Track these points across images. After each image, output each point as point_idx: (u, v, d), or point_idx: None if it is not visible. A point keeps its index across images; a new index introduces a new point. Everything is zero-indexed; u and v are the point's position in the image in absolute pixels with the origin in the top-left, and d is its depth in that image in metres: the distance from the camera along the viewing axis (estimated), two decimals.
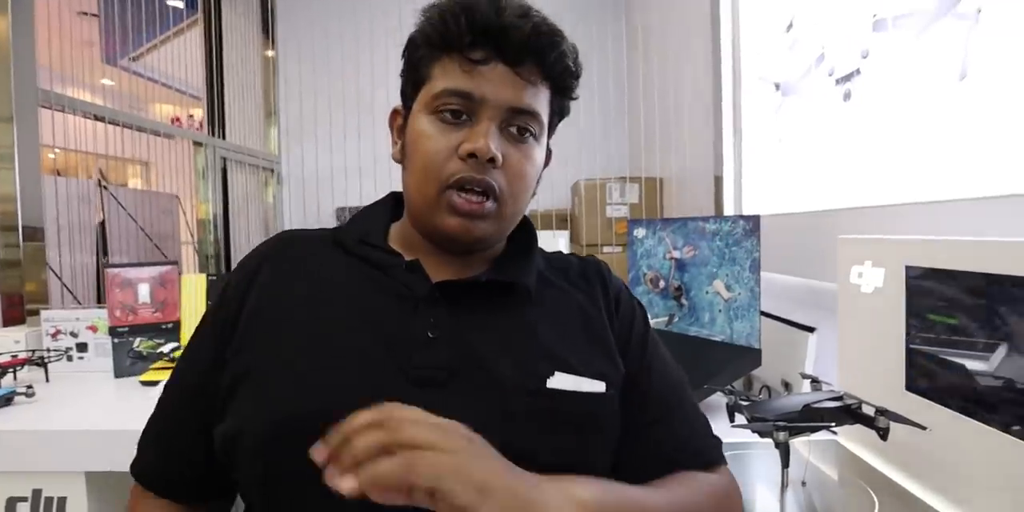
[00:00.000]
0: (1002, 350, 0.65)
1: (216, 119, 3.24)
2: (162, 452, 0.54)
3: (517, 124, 0.52)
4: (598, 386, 0.50)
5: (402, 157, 0.57)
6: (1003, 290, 0.62)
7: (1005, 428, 0.61)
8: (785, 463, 0.67)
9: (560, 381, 0.49)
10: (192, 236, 3.06)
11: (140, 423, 0.57)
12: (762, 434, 0.68)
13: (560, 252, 0.65)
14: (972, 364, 0.68)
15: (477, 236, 0.53)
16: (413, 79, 0.55)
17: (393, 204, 0.62)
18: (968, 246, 0.66)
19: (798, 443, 0.83)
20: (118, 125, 2.12)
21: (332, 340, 0.49)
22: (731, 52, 1.89)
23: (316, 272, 0.54)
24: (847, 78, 1.19)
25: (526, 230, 0.62)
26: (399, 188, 0.60)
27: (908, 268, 0.73)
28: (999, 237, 0.63)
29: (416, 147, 0.53)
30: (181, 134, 2.96)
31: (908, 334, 0.74)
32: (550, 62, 0.52)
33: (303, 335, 0.50)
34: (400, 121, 0.58)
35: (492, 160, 0.50)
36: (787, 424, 0.65)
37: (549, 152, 0.62)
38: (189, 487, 0.54)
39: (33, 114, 1.60)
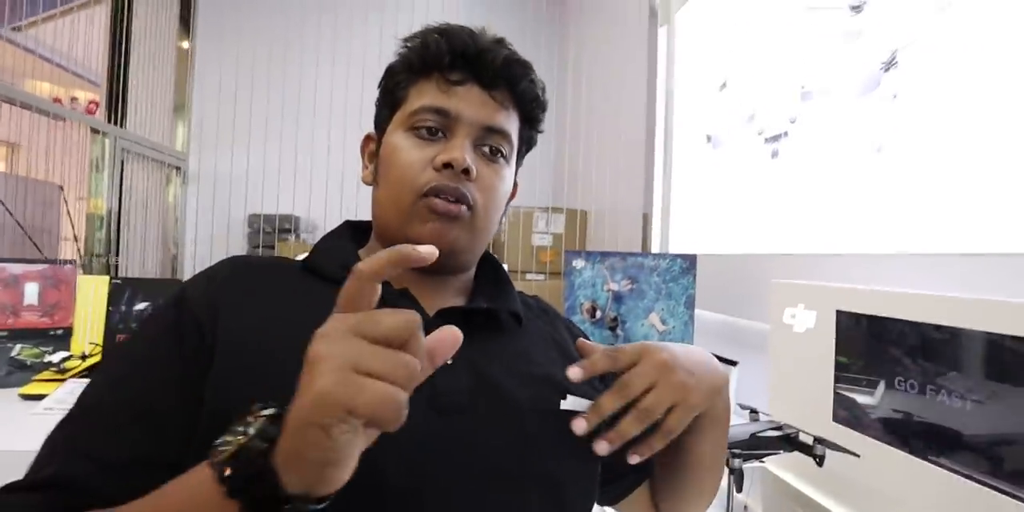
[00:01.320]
0: (881, 386, 0.76)
1: (117, 106, 2.95)
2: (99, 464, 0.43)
3: (490, 143, 0.54)
4: None
5: (373, 179, 0.57)
6: (898, 333, 0.73)
7: (920, 455, 0.70)
8: (739, 487, 0.71)
9: (571, 403, 0.49)
10: (74, 231, 2.73)
11: (24, 443, 0.45)
12: None
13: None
14: (862, 398, 0.79)
15: (451, 242, 0.52)
16: (390, 103, 0.57)
17: (351, 235, 0.61)
18: (890, 296, 0.76)
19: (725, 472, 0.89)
20: (10, 103, 1.87)
21: None
22: (664, 101, 2.05)
23: (298, 302, 0.49)
24: (775, 138, 1.34)
25: (491, 262, 0.64)
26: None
27: (838, 312, 0.82)
28: (920, 290, 0.73)
29: (391, 161, 0.54)
30: (77, 118, 2.66)
31: (836, 372, 0.82)
32: (521, 89, 0.55)
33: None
34: (372, 147, 0.59)
35: (467, 171, 0.51)
36: (741, 451, 0.70)
37: (515, 185, 0.64)
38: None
39: None
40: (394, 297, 0.51)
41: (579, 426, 0.46)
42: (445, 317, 0.50)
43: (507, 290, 0.59)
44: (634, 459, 0.47)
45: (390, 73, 0.57)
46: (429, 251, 0.33)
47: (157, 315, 0.49)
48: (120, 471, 0.42)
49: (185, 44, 3.48)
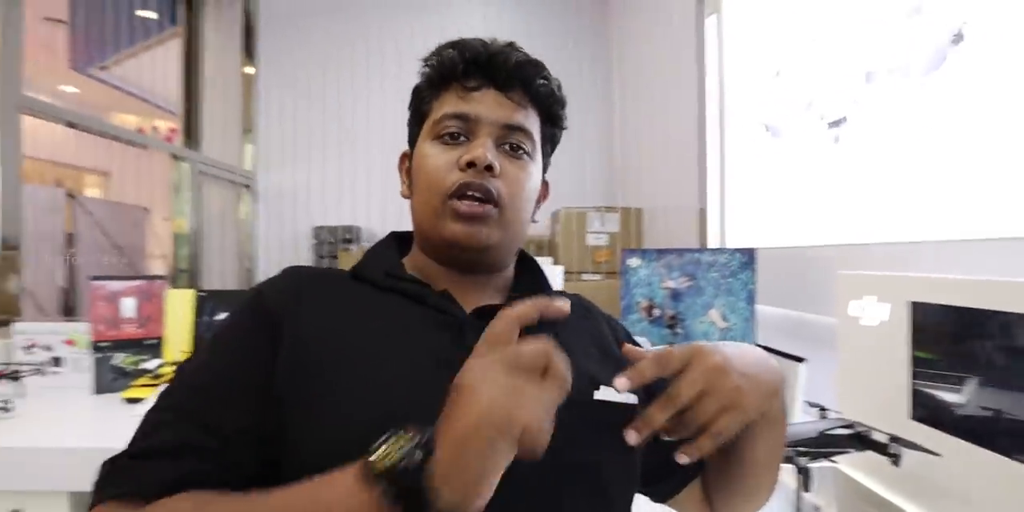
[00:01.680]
0: (972, 382, 0.71)
1: (192, 132, 3.18)
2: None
3: (511, 141, 0.57)
4: (632, 398, 0.53)
5: (410, 191, 0.61)
6: (981, 324, 0.68)
7: (1007, 454, 0.66)
8: (806, 487, 0.69)
9: (605, 393, 0.51)
10: (162, 250, 2.96)
11: (127, 442, 0.48)
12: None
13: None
14: (946, 395, 0.74)
15: (481, 241, 0.54)
16: (418, 119, 0.61)
17: (396, 243, 0.64)
18: (969, 285, 0.71)
19: (789, 469, 0.86)
20: (98, 135, 2.06)
21: (386, 369, 0.49)
22: (717, 92, 2.00)
23: (350, 305, 0.54)
24: (837, 123, 1.28)
25: (528, 260, 0.67)
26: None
27: (913, 304, 0.78)
28: (994, 277, 0.69)
29: (420, 168, 0.57)
30: (159, 146, 2.89)
31: (912, 367, 0.78)
32: (536, 87, 0.58)
33: (358, 366, 0.49)
34: (408, 164, 0.63)
35: (490, 168, 0.54)
36: (808, 449, 0.68)
37: (546, 184, 0.66)
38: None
39: (15, 123, 1.55)
40: (435, 298, 0.55)
41: (631, 437, 0.46)
42: (481, 315, 0.53)
43: (543, 287, 0.62)
44: (683, 459, 0.47)
45: (416, 92, 0.61)
46: (562, 305, 0.43)
47: (234, 322, 0.53)
48: (225, 439, 0.45)
49: (249, 69, 3.70)
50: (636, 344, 0.66)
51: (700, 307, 1.32)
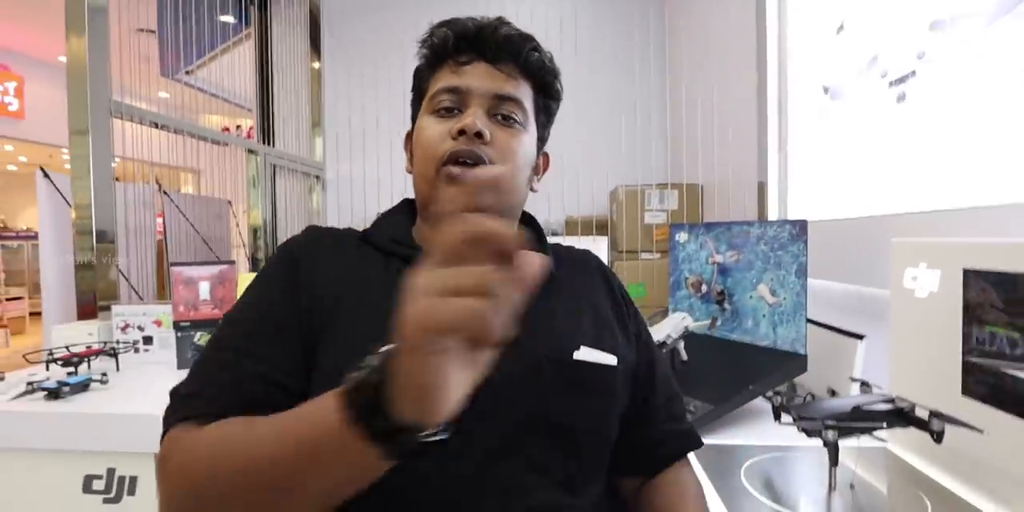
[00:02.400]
0: None
1: (267, 128, 3.38)
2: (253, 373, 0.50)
3: (502, 111, 0.59)
4: (611, 359, 0.56)
5: (411, 164, 0.64)
6: None
7: None
8: (833, 461, 0.66)
9: (583, 354, 0.54)
10: (242, 239, 3.20)
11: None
12: (809, 433, 0.68)
13: (558, 243, 0.71)
14: (1010, 369, 0.67)
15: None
16: (418, 98, 0.64)
17: (408, 210, 0.67)
18: None
19: (846, 451, 0.82)
20: (182, 135, 2.25)
21: (376, 334, 0.53)
22: (777, 55, 1.88)
23: (356, 266, 0.58)
24: (902, 80, 1.17)
25: (532, 224, 0.69)
26: None
27: (966, 272, 0.71)
28: None
29: (417, 141, 0.61)
30: (237, 143, 3.10)
31: (965, 340, 0.72)
32: (524, 58, 0.60)
33: (356, 322, 0.53)
34: (411, 143, 0.66)
35: (479, 135, 0.56)
36: (836, 423, 0.65)
37: (547, 156, 0.68)
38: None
39: (106, 126, 1.72)
40: None
41: None
42: None
43: (540, 250, 0.64)
44: None
45: (416, 73, 0.64)
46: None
47: (265, 271, 0.59)
48: (274, 369, 0.50)
49: (316, 64, 3.87)
50: (631, 305, 0.67)
51: (749, 282, 1.27)
